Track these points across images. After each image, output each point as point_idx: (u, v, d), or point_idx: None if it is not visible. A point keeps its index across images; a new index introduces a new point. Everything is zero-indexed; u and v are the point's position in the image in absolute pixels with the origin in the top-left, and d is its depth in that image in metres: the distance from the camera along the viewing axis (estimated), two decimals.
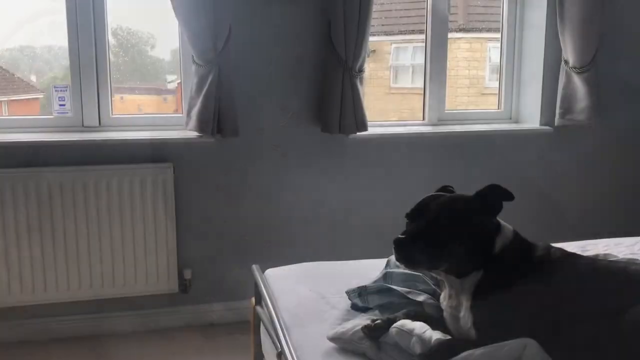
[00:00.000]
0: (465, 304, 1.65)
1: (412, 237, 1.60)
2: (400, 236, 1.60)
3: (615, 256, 2.12)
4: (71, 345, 3.06)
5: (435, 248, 1.60)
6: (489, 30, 4.08)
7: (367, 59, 3.24)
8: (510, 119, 3.80)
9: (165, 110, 3.65)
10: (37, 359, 2.94)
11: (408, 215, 1.68)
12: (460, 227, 1.62)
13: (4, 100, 3.26)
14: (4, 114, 3.20)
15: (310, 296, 2.11)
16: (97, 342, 3.10)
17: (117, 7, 3.14)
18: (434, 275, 1.80)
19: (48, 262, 2.98)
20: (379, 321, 1.71)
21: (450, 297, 1.71)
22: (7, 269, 2.94)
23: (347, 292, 1.99)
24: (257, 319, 2.27)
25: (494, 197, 1.67)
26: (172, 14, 2.94)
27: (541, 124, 3.64)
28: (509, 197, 1.66)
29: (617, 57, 3.66)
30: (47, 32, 3.25)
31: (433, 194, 1.73)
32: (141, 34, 3.44)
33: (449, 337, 1.60)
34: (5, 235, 2.92)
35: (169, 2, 2.90)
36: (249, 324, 2.44)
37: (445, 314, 1.73)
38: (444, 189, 1.83)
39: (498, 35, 3.78)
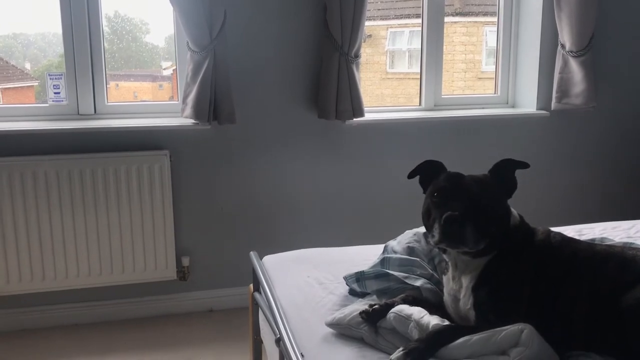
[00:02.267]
0: (467, 284, 1.65)
1: (465, 215, 1.55)
2: (452, 213, 1.54)
3: (612, 240, 2.13)
4: (70, 333, 3.07)
5: (482, 227, 1.57)
6: (485, 14, 4.06)
7: (362, 44, 3.23)
8: (507, 103, 3.80)
9: (161, 97, 3.64)
10: (37, 348, 2.94)
11: (441, 194, 1.63)
12: (497, 206, 1.63)
13: None
14: None
15: (308, 282, 2.11)
16: (96, 329, 3.11)
17: None
18: (445, 256, 1.77)
19: (46, 251, 2.99)
20: (376, 306, 1.72)
21: (453, 279, 1.71)
22: (5, 258, 2.95)
23: (345, 278, 2.00)
24: (256, 306, 2.28)
25: (508, 173, 1.68)
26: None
27: (538, 108, 3.64)
28: (524, 165, 1.67)
29: (614, 41, 3.66)
30: (41, 19, 3.23)
31: (456, 172, 1.70)
32: (135, 20, 3.41)
33: (447, 322, 1.61)
34: (2, 224, 2.92)
35: None
36: (247, 311, 2.45)
37: (446, 296, 1.74)
38: (431, 163, 1.77)
39: (494, 19, 3.77)
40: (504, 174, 1.68)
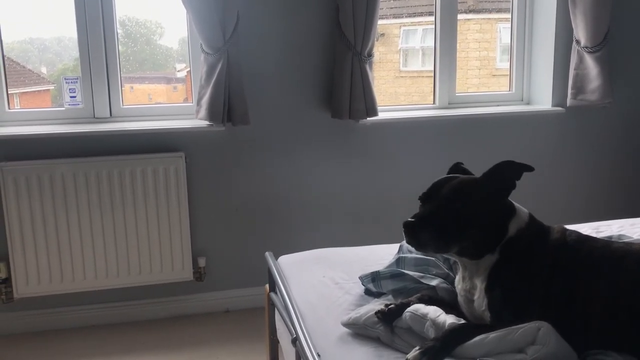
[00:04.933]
0: (480, 286, 1.65)
1: (421, 220, 1.60)
2: (409, 219, 1.60)
3: (630, 237, 2.11)
4: (88, 335, 3.10)
5: (444, 231, 1.59)
6: (499, 10, 4.04)
7: (376, 43, 3.22)
8: (522, 100, 3.77)
9: (175, 99, 3.66)
10: (55, 349, 2.97)
11: (420, 198, 1.68)
12: (469, 210, 1.61)
13: (16, 93, 3.28)
14: (16, 107, 3.22)
15: (324, 282, 2.11)
16: (113, 331, 3.14)
17: None
18: (447, 257, 1.79)
19: (64, 253, 3.02)
20: (392, 306, 1.72)
21: (464, 279, 1.71)
22: (24, 261, 2.98)
23: (360, 278, 2.00)
24: (272, 306, 2.29)
25: (505, 174, 1.65)
26: (180, 2, 2.93)
27: (553, 105, 3.61)
28: (526, 168, 1.65)
29: (630, 36, 3.62)
30: (56, 24, 3.26)
31: (447, 176, 1.72)
32: (149, 23, 3.44)
33: (462, 321, 1.60)
34: (20, 227, 2.95)
35: None
36: (263, 311, 2.46)
37: (459, 297, 1.74)
38: (457, 166, 1.82)
39: (508, 15, 3.75)
40: (501, 176, 1.65)
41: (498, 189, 1.65)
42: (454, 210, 1.60)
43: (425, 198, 1.67)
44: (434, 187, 1.67)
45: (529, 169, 1.65)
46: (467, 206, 1.61)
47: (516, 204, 1.71)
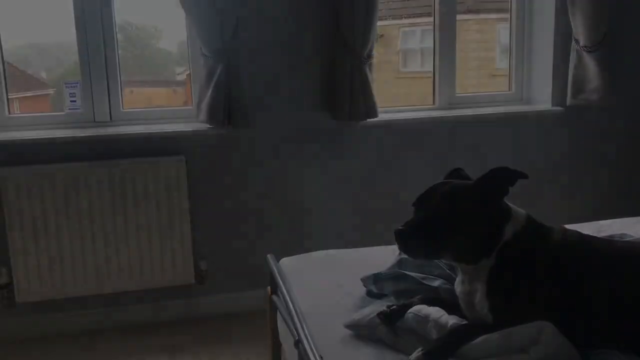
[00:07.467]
0: (481, 290, 1.64)
1: (411, 228, 1.60)
2: (399, 227, 1.60)
3: (632, 236, 2.11)
4: (90, 339, 3.10)
5: (434, 238, 1.59)
6: (498, 11, 4.04)
7: (375, 44, 3.22)
8: (522, 100, 3.77)
9: (175, 102, 3.66)
10: (56, 354, 2.97)
11: (414, 205, 1.68)
12: (459, 216, 1.60)
13: (16, 98, 3.28)
14: (16, 112, 3.22)
15: (326, 284, 2.12)
16: (115, 334, 3.14)
17: (123, 1, 3.15)
18: (445, 261, 1.79)
19: (65, 258, 3.02)
20: (394, 307, 1.72)
21: (463, 282, 1.71)
22: (25, 265, 2.98)
23: (363, 279, 2.00)
24: (274, 308, 2.28)
25: (498, 181, 1.64)
26: (178, 5, 2.93)
27: (553, 105, 3.61)
28: (521, 176, 1.63)
29: (629, 35, 3.62)
30: (56, 28, 3.27)
31: (441, 181, 1.72)
32: (148, 27, 3.44)
33: (465, 322, 1.60)
34: (22, 231, 2.95)
35: None
36: (265, 313, 2.46)
37: (460, 300, 1.73)
38: (455, 171, 1.81)
39: (507, 15, 3.75)
40: (493, 182, 1.64)
41: (490, 195, 1.64)
42: (442, 218, 1.59)
43: (418, 205, 1.67)
44: (426, 193, 1.67)
45: (523, 176, 1.63)
46: (456, 213, 1.60)
47: (513, 207, 1.69)
